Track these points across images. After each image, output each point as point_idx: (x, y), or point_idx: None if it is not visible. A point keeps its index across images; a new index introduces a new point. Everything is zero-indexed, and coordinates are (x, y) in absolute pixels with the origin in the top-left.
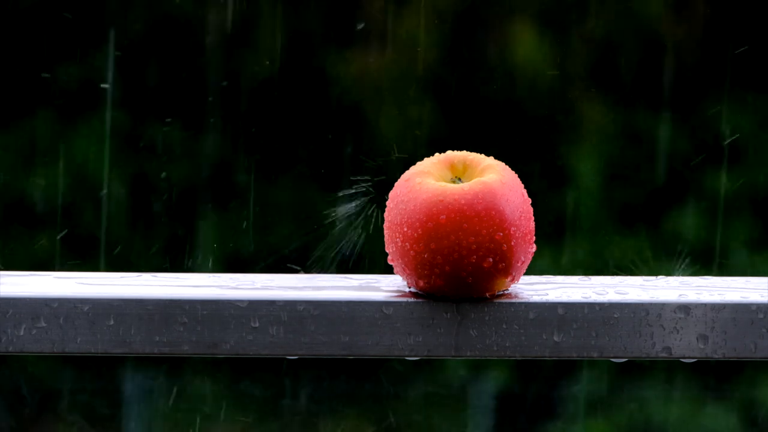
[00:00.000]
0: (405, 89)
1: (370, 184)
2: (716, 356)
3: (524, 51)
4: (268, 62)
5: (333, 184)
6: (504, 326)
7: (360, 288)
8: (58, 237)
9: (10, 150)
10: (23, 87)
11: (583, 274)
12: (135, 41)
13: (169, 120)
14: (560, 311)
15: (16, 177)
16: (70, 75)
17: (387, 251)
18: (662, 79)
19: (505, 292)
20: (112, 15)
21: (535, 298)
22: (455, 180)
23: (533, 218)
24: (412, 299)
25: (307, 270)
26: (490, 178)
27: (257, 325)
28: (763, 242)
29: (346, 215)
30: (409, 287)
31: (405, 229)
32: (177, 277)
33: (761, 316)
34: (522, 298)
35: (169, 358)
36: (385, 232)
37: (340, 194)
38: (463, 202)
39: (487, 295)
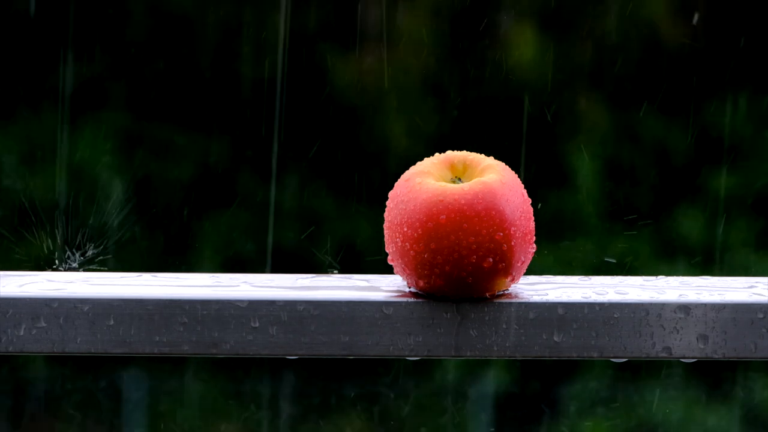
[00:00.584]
0: (405, 89)
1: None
2: (716, 356)
3: (524, 51)
4: (268, 62)
5: (333, 184)
6: (504, 326)
7: (360, 288)
8: (58, 237)
9: (10, 150)
10: (23, 87)
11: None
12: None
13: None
14: (560, 311)
15: (16, 177)
16: (71, 75)
17: (387, 251)
18: (662, 79)
19: (505, 292)
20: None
21: (535, 298)
22: (455, 180)
23: (533, 218)
24: (412, 299)
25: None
26: (490, 178)
27: (257, 325)
28: (763, 242)
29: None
30: (409, 287)
31: (405, 229)
32: (177, 277)
33: (761, 316)
34: (522, 298)
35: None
36: (385, 232)
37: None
38: (463, 202)
39: (487, 295)
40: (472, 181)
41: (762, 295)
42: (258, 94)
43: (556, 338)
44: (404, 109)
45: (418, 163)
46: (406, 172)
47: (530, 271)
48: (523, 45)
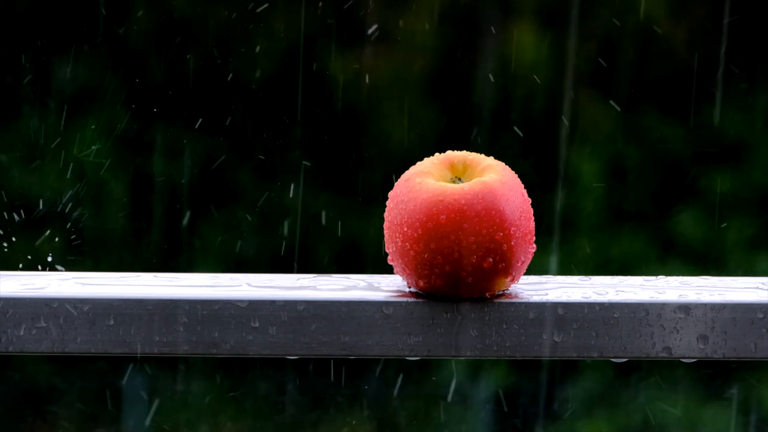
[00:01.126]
0: (405, 89)
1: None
2: (716, 356)
3: (525, 51)
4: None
5: (334, 183)
6: (504, 326)
7: (360, 288)
8: (58, 237)
9: (11, 149)
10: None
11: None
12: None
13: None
14: (560, 311)
15: (16, 177)
16: (71, 74)
17: (387, 251)
18: (663, 79)
19: (505, 292)
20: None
21: (535, 298)
22: (455, 180)
23: (533, 218)
24: (412, 299)
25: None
26: (490, 178)
27: (257, 325)
28: (763, 242)
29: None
30: (409, 287)
31: (405, 229)
32: (177, 277)
33: (761, 316)
34: (522, 298)
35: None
36: (385, 232)
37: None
38: (463, 202)
39: (487, 295)
40: (472, 181)
41: (762, 295)
42: (258, 94)
43: (556, 338)
44: (404, 109)
45: (418, 163)
46: (406, 172)
47: (530, 271)
48: (524, 44)
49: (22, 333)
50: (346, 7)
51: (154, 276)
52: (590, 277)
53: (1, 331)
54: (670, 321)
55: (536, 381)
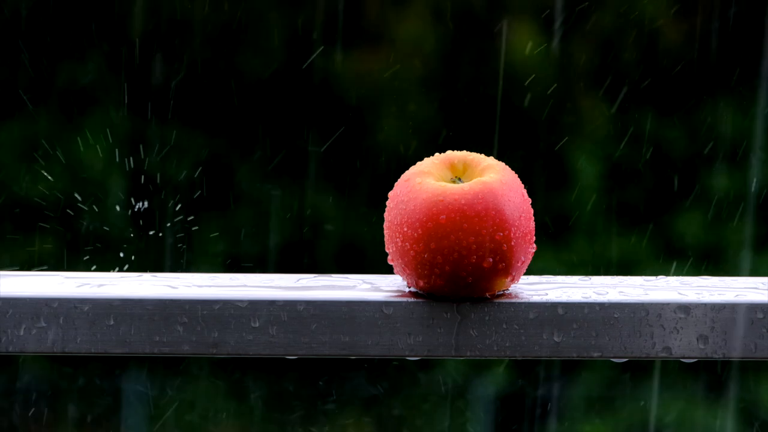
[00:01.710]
0: (405, 89)
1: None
2: (716, 356)
3: (524, 51)
4: (269, 62)
5: (334, 183)
6: (504, 326)
7: (360, 288)
8: (58, 237)
9: (11, 149)
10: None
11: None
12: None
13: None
14: (560, 311)
15: (16, 177)
16: (71, 74)
17: (387, 251)
18: (662, 78)
19: (505, 292)
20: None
21: (535, 298)
22: (455, 180)
23: (533, 218)
24: (412, 299)
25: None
26: (490, 178)
27: (257, 325)
28: (764, 242)
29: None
30: (409, 287)
31: (405, 229)
32: (177, 277)
33: (761, 316)
34: (522, 298)
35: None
36: (385, 232)
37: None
38: (463, 202)
39: (487, 295)
40: (472, 181)
41: (762, 295)
42: (258, 93)
43: (556, 338)
44: (404, 109)
45: (418, 163)
46: (406, 172)
47: (530, 271)
48: (524, 44)
49: (22, 333)
50: (346, 7)
51: (154, 276)
52: (590, 277)
53: (1, 331)
54: (670, 321)
55: (536, 381)
